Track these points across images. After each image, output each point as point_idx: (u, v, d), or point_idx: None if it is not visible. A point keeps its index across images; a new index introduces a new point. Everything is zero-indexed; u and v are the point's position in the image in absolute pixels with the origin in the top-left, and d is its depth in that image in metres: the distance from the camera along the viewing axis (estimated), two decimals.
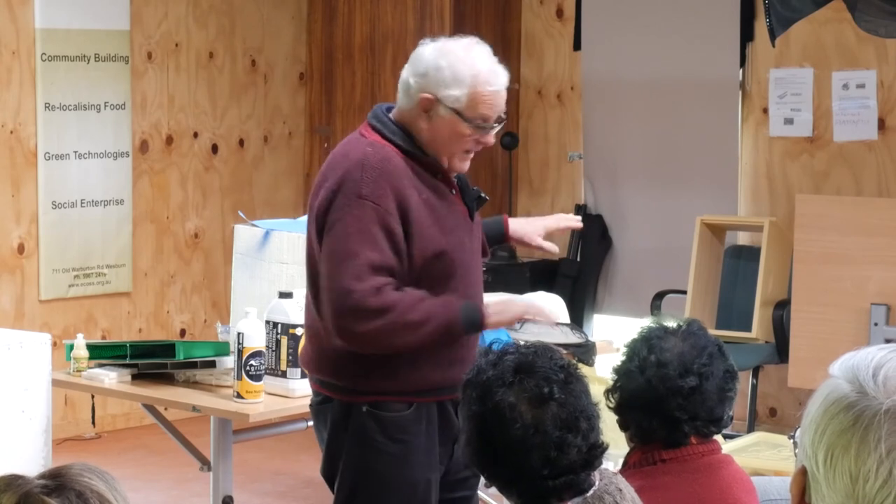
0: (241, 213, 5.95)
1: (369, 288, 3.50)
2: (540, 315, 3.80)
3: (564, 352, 4.67)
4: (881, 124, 7.12)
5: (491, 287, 5.44)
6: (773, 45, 7.03)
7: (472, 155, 3.70)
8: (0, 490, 1.71)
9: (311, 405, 3.84)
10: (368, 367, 3.63)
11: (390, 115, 3.69)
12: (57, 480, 1.71)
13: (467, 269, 3.71)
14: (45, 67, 7.33)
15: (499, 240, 4.06)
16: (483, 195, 3.80)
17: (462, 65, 3.59)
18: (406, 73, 3.67)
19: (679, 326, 3.13)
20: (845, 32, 7.13)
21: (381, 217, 3.53)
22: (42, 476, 1.73)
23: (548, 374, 2.66)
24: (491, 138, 3.68)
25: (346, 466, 3.69)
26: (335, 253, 3.55)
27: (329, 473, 3.77)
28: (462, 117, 3.60)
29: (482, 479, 3.52)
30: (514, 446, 2.63)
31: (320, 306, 3.64)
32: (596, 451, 2.67)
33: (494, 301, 3.79)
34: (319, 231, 3.63)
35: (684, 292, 7.13)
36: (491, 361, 2.71)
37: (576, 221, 4.24)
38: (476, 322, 3.63)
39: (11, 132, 7.27)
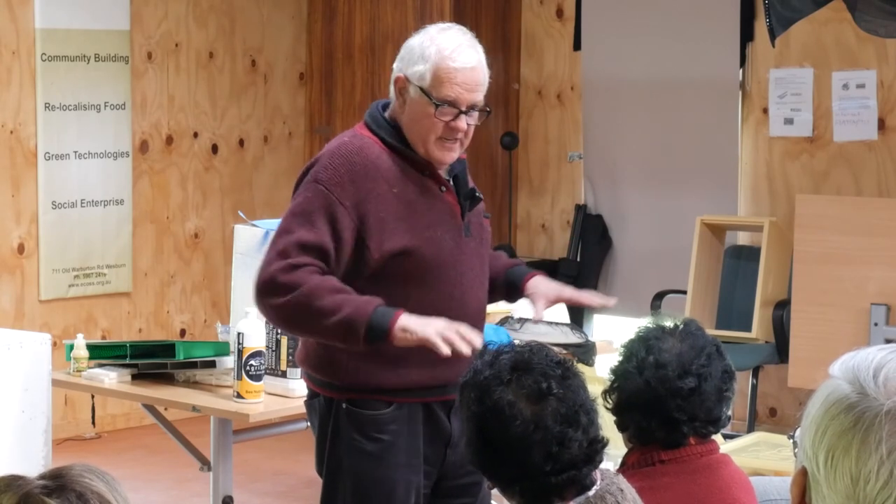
0: (241, 213, 5.95)
1: (286, 264, 3.48)
2: (452, 342, 3.45)
3: (564, 351, 4.68)
4: (881, 124, 7.12)
5: None
6: (773, 45, 7.03)
7: (453, 144, 3.61)
8: (0, 491, 1.71)
9: (304, 401, 3.85)
10: (349, 365, 3.60)
11: (386, 112, 3.69)
12: (57, 481, 1.71)
13: (448, 268, 3.63)
14: (45, 67, 7.33)
15: (514, 291, 3.90)
16: (478, 194, 3.73)
17: (430, 42, 3.59)
18: (394, 64, 3.69)
19: (677, 326, 3.12)
20: (845, 32, 7.14)
21: (328, 202, 3.51)
22: (42, 477, 1.73)
23: (545, 370, 2.66)
24: (462, 123, 3.59)
25: (328, 463, 3.69)
26: (277, 231, 3.57)
27: (321, 469, 3.76)
28: (428, 96, 3.56)
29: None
30: (515, 444, 2.63)
31: None
32: (597, 445, 2.67)
33: (419, 318, 3.51)
34: None
35: (684, 292, 7.13)
36: (487, 362, 2.71)
37: (601, 300, 3.92)
38: (382, 328, 3.44)
39: (11, 132, 7.28)
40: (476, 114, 3.62)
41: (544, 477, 2.63)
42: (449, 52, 3.57)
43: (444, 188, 3.66)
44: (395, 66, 3.66)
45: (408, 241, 3.56)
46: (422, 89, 3.57)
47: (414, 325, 3.45)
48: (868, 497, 1.39)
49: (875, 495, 1.39)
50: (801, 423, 1.49)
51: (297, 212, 3.54)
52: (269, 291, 3.50)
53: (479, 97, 3.62)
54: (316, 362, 3.69)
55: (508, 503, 2.74)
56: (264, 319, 3.77)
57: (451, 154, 3.63)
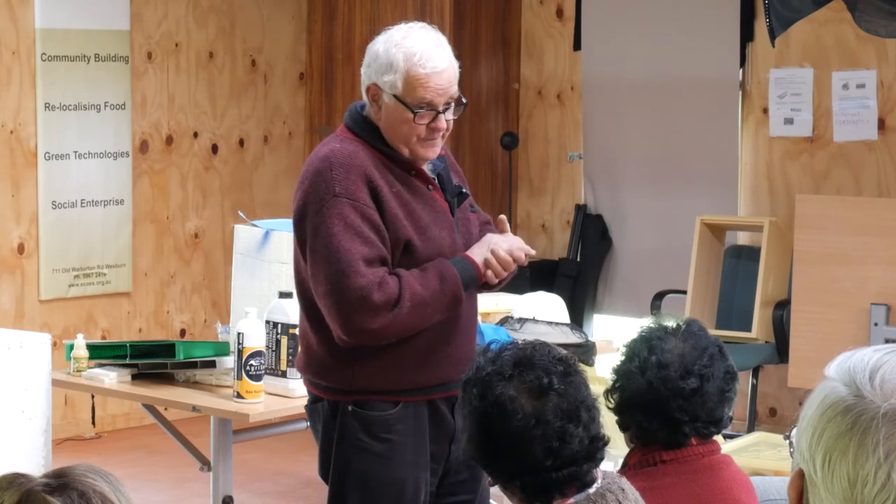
0: (241, 213, 5.95)
1: (370, 283, 3.49)
2: (507, 242, 3.76)
3: (564, 351, 4.68)
4: (881, 124, 7.12)
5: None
6: (773, 45, 7.03)
7: (436, 142, 3.63)
8: (2, 488, 1.71)
9: (305, 406, 3.85)
10: (354, 368, 3.62)
11: (364, 113, 3.69)
12: (60, 480, 1.71)
13: None
14: (45, 67, 7.33)
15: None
16: (464, 190, 3.75)
17: (396, 49, 3.57)
18: (362, 69, 3.68)
19: (679, 327, 3.13)
20: (845, 32, 7.14)
21: (360, 211, 3.53)
22: (45, 475, 1.73)
23: (547, 367, 2.68)
24: (441, 123, 3.59)
25: (335, 466, 3.70)
26: (327, 255, 3.53)
27: (325, 473, 3.77)
28: (402, 103, 3.56)
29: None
30: (515, 438, 2.64)
31: (317, 309, 3.63)
32: (598, 443, 2.68)
33: (473, 248, 3.72)
34: (300, 237, 3.63)
35: (684, 292, 7.13)
36: (490, 358, 2.73)
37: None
38: (474, 280, 3.65)
39: (11, 132, 7.28)
40: (453, 108, 3.63)
41: (544, 472, 2.64)
42: (417, 57, 3.56)
43: (430, 187, 3.68)
44: (362, 71, 3.65)
45: (411, 236, 3.60)
46: (396, 97, 3.57)
47: (489, 261, 3.66)
48: (866, 500, 1.39)
49: (873, 498, 1.38)
50: (798, 424, 1.49)
51: (339, 230, 3.52)
52: (371, 312, 3.51)
53: (453, 91, 3.62)
54: (318, 368, 3.70)
55: (509, 500, 2.74)
56: (348, 339, 3.56)
57: (435, 149, 3.65)
